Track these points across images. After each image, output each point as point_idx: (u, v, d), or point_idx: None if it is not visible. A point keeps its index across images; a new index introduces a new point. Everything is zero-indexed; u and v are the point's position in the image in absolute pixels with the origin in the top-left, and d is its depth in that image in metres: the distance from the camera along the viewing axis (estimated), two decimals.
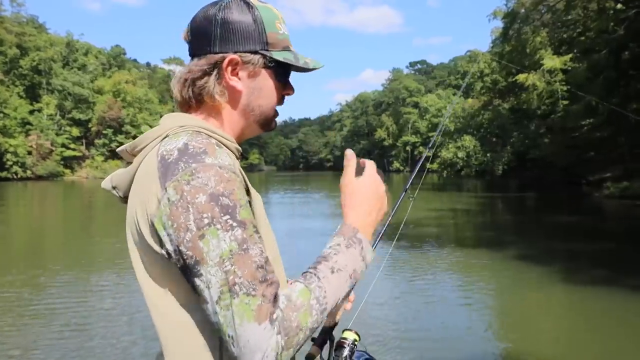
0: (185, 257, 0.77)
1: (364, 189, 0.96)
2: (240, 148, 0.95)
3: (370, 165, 1.00)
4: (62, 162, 56.80)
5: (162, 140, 0.87)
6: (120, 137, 61.58)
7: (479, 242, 11.43)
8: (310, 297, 0.78)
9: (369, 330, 4.97)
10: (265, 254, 0.79)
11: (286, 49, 0.96)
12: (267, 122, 0.99)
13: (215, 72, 0.91)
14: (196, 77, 0.91)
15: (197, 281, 0.76)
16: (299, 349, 0.78)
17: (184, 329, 0.83)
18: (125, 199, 0.93)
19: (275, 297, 0.76)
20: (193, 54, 0.94)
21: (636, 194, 18.95)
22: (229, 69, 0.91)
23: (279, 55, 0.94)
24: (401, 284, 7.27)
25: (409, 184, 1.57)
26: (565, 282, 7.20)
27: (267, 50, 0.93)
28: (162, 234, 0.79)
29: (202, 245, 0.75)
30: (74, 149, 58.74)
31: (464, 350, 4.66)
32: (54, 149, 55.56)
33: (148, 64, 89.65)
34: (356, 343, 1.11)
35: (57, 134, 57.22)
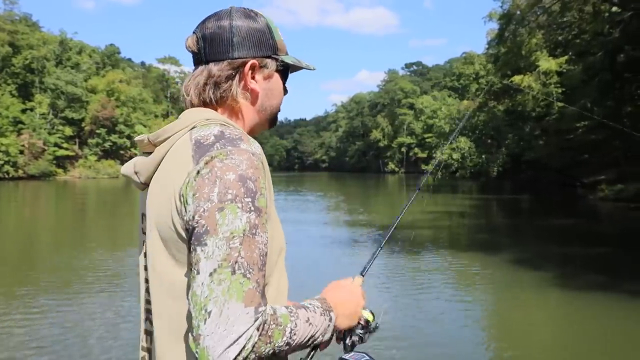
0: (196, 226, 0.80)
1: (349, 293, 1.04)
2: None
3: (361, 291, 1.08)
4: (54, 162, 56.20)
5: (190, 130, 0.92)
6: (113, 137, 61.12)
7: (473, 245, 11.33)
8: (288, 324, 0.83)
9: None
10: (267, 245, 0.84)
11: (287, 53, 1.06)
12: (274, 120, 1.09)
13: (237, 76, 0.99)
14: (220, 81, 0.98)
15: (199, 250, 0.79)
16: None
17: None
18: (144, 185, 0.98)
19: (264, 291, 0.81)
20: (208, 60, 0.99)
21: (630, 197, 18.95)
22: (249, 72, 0.99)
23: (288, 59, 1.04)
24: (395, 289, 7.17)
25: (402, 213, 1.44)
26: (560, 288, 7.11)
27: (277, 54, 1.03)
28: (185, 204, 0.84)
29: (218, 217, 0.79)
30: (66, 149, 58.15)
31: (458, 357, 4.58)
32: (46, 148, 55.00)
33: (142, 63, 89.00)
34: (370, 322, 1.09)
35: (49, 133, 56.65)
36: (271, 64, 1.02)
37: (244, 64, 0.98)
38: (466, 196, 29.16)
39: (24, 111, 55.23)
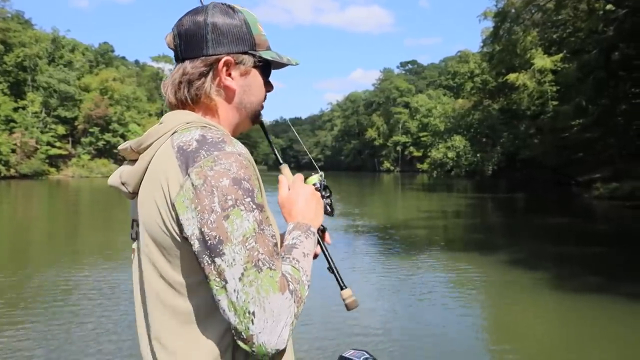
0: (207, 238, 0.82)
1: (301, 197, 1.04)
2: None
3: (297, 177, 1.09)
4: (47, 161, 55.67)
5: (171, 135, 0.92)
6: (107, 136, 60.66)
7: (468, 245, 11.24)
8: (300, 272, 0.89)
9: (358, 338, 4.79)
10: (274, 236, 0.89)
11: (268, 48, 1.05)
12: (257, 116, 1.07)
13: (211, 73, 0.97)
14: (193, 78, 0.97)
15: (218, 261, 0.81)
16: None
17: (202, 317, 0.89)
18: (133, 194, 0.98)
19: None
20: (183, 57, 0.99)
21: (626, 195, 18.97)
22: (224, 69, 0.98)
23: (266, 55, 1.03)
24: (389, 289, 7.11)
25: None
26: (556, 288, 7.06)
27: (255, 50, 1.01)
28: (183, 217, 0.84)
29: (226, 225, 0.81)
30: (59, 147, 57.60)
31: (454, 358, 4.53)
32: (38, 147, 54.46)
33: (137, 62, 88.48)
34: (321, 181, 1.14)
35: (42, 132, 56.13)
36: (248, 60, 1.00)
37: (218, 60, 0.97)
38: (461, 195, 29.12)
39: (16, 109, 54.67)
